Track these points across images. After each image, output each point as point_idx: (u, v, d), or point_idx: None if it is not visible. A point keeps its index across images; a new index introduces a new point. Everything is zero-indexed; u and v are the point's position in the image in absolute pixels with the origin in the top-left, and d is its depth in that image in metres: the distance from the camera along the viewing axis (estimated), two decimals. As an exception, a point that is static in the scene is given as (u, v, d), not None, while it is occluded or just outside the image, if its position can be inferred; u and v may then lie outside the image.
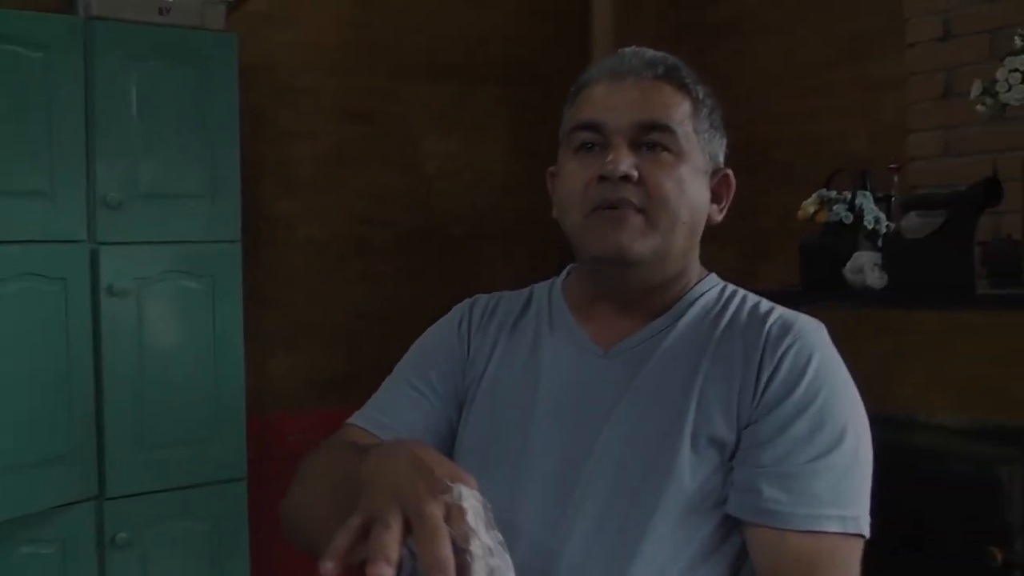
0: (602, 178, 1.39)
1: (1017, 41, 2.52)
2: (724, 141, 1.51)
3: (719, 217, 1.51)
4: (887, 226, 2.97)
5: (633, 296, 1.47)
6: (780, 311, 1.45)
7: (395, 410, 1.53)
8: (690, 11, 4.42)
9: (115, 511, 3.15)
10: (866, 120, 3.63)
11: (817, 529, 1.29)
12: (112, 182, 3.14)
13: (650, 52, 1.46)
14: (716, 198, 1.50)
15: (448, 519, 0.97)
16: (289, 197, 4.09)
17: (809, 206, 3.04)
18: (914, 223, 2.78)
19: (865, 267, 2.84)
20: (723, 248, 4.09)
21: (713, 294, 1.50)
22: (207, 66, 3.34)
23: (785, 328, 1.40)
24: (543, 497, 1.40)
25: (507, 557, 0.99)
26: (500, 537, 1.00)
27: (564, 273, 1.61)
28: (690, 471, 1.35)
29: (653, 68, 1.43)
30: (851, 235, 2.98)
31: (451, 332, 1.60)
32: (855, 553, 1.32)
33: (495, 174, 4.47)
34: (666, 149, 1.40)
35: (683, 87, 1.44)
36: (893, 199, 3.12)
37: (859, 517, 1.31)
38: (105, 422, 3.13)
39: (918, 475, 2.66)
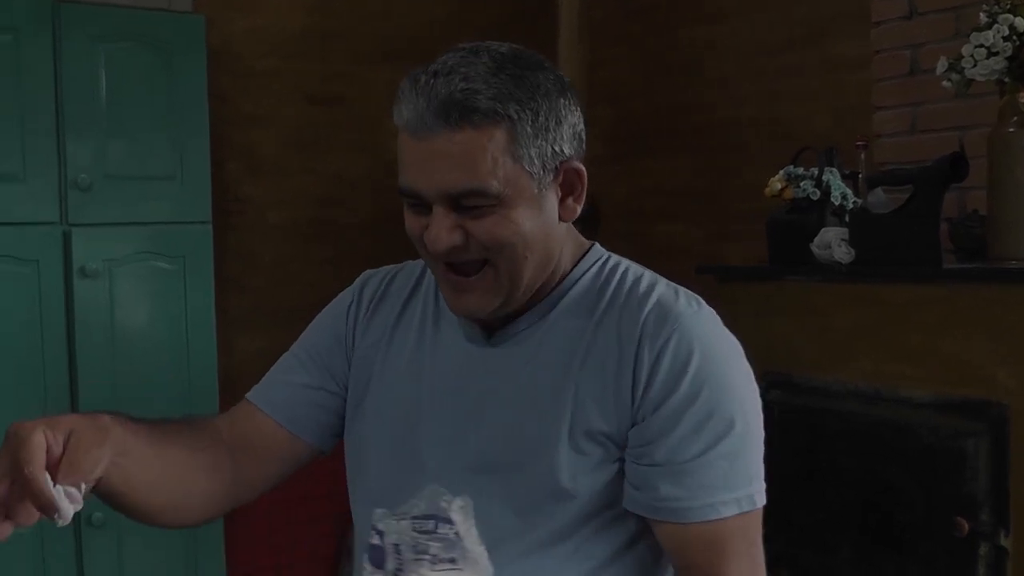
0: None
1: (982, 17, 2.54)
2: (569, 124, 1.35)
3: (577, 212, 1.41)
4: (854, 202, 2.98)
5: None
6: (658, 292, 1.40)
7: (284, 387, 1.59)
8: (655, -7, 4.44)
9: (90, 492, 3.15)
10: (830, 100, 3.65)
11: (716, 517, 1.33)
12: (83, 164, 3.16)
13: (444, 90, 1.26)
14: (569, 190, 1.39)
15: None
16: (254, 180, 4.10)
17: (776, 183, 3.04)
18: (880, 199, 2.80)
19: (832, 242, 2.84)
20: (692, 228, 4.18)
21: (592, 273, 1.46)
22: (174, 49, 3.36)
23: (663, 316, 1.36)
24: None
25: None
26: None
27: None
28: (568, 471, 1.35)
29: (446, 118, 1.26)
30: (818, 211, 2.98)
31: (340, 313, 1.62)
32: (754, 524, 1.37)
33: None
34: (487, 206, 1.30)
35: (488, 121, 1.27)
36: (860, 175, 3.13)
37: (752, 494, 1.35)
38: (79, 402, 3.14)
39: (884, 447, 2.69)
